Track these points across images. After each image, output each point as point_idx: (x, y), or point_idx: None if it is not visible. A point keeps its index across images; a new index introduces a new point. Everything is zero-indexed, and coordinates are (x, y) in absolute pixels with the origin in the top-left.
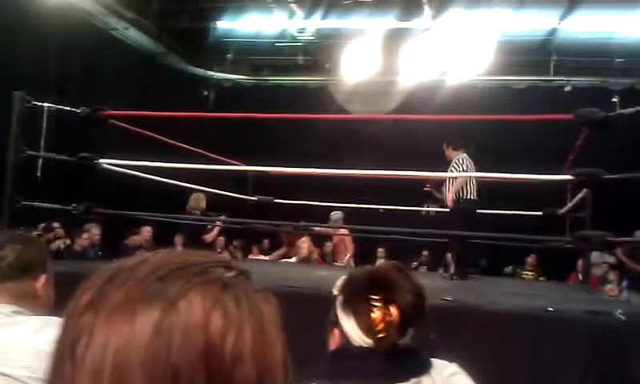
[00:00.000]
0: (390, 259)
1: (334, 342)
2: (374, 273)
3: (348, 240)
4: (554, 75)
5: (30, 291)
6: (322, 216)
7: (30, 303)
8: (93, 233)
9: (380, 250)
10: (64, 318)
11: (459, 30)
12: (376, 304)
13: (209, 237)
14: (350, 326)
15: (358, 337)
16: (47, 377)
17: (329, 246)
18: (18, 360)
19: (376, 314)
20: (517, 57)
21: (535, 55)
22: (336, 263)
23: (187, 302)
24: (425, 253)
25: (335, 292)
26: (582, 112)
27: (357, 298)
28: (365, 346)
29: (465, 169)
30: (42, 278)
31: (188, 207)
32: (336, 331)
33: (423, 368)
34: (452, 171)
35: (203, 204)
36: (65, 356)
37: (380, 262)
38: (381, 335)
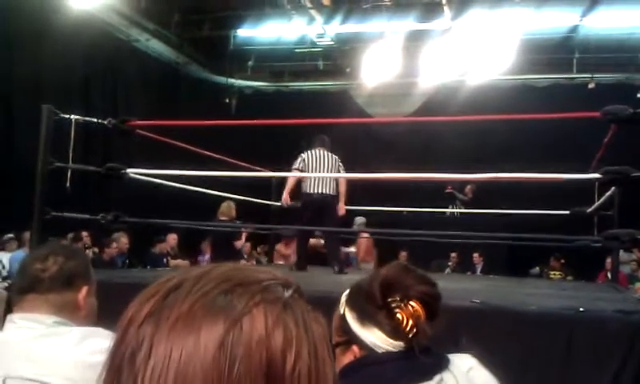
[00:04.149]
0: (414, 263)
1: (348, 360)
2: (382, 278)
3: (371, 244)
4: (576, 72)
5: (72, 302)
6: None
7: (72, 315)
8: (122, 242)
9: (402, 253)
10: (122, 326)
11: (479, 29)
12: (396, 305)
13: (239, 243)
14: (373, 337)
15: (386, 344)
16: (105, 382)
17: (348, 250)
18: (60, 371)
19: (401, 315)
20: (539, 55)
21: (558, 53)
22: (361, 267)
23: (250, 318)
24: (453, 255)
25: (342, 310)
26: (609, 109)
27: (373, 308)
28: (394, 349)
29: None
30: (84, 290)
31: (219, 214)
32: (355, 348)
33: (444, 364)
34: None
35: (234, 212)
36: (123, 365)
37: None
38: (412, 333)
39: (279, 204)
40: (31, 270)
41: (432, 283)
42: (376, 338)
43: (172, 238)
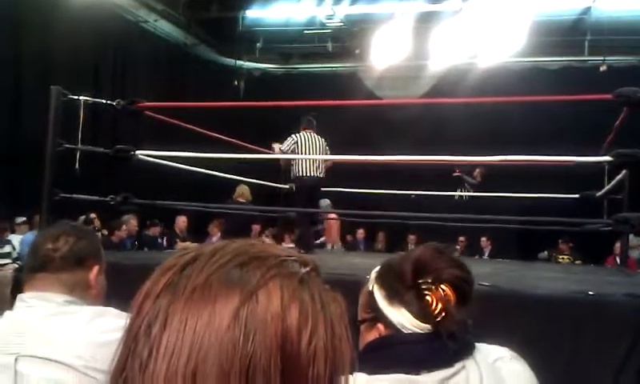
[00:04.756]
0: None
1: (372, 337)
2: (415, 258)
3: (336, 225)
4: (588, 55)
5: (83, 282)
6: (354, 202)
7: (83, 294)
8: (131, 224)
9: (411, 236)
10: (138, 299)
11: (490, 11)
12: (426, 287)
13: (257, 227)
14: (401, 316)
15: (412, 325)
16: (121, 355)
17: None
18: (70, 349)
19: (430, 298)
20: (550, 37)
21: (569, 35)
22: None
23: (266, 292)
24: (462, 239)
25: (372, 287)
26: (621, 91)
27: (403, 288)
28: (420, 331)
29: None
30: (95, 269)
31: (237, 196)
32: (380, 326)
33: (467, 351)
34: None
35: (249, 194)
36: (139, 337)
37: (410, 248)
38: (440, 317)
39: (288, 187)
40: (42, 250)
41: (465, 268)
42: (403, 318)
43: (181, 221)
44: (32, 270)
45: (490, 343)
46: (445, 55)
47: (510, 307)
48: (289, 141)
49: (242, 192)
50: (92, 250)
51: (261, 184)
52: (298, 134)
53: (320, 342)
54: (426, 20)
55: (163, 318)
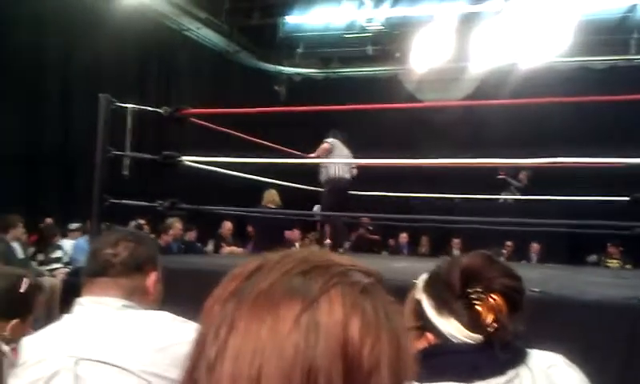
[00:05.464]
0: (466, 250)
1: (421, 346)
2: (464, 266)
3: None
4: (635, 54)
5: (141, 287)
6: (396, 206)
7: (141, 299)
8: (176, 227)
9: (455, 240)
10: (208, 305)
11: (533, 10)
12: (476, 297)
13: (292, 234)
14: (451, 327)
15: (462, 335)
16: (192, 357)
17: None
18: (128, 353)
19: (481, 308)
20: (595, 36)
21: (615, 34)
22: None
23: (328, 300)
24: (509, 243)
25: (419, 296)
26: None
27: (452, 297)
28: (472, 341)
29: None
30: (153, 275)
31: (266, 202)
32: (429, 335)
33: (519, 358)
34: None
35: (277, 199)
36: (208, 340)
37: (455, 253)
38: (492, 327)
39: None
40: (102, 255)
41: (516, 276)
42: (453, 329)
43: (227, 226)
44: (91, 274)
45: (541, 349)
46: (487, 56)
47: (560, 313)
48: (330, 140)
49: (272, 197)
50: (150, 256)
51: (297, 188)
52: (332, 139)
53: (383, 352)
54: (467, 21)
55: (229, 322)
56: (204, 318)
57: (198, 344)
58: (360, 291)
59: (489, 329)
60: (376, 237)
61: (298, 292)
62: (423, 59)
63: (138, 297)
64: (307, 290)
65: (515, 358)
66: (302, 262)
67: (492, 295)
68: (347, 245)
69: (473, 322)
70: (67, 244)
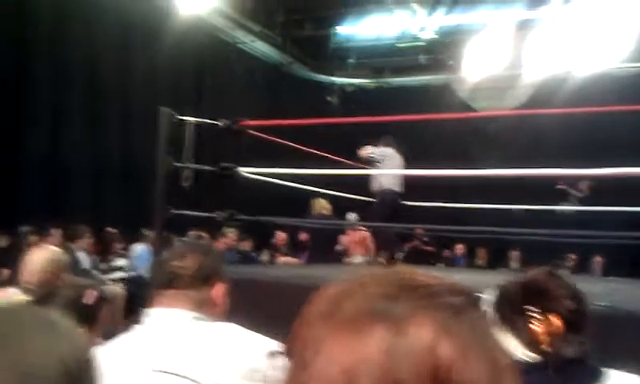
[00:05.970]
0: (525, 263)
1: None
2: (527, 282)
3: (369, 239)
4: None
5: (209, 299)
6: (451, 217)
7: (209, 311)
8: (230, 237)
9: (514, 253)
10: (296, 327)
11: (591, 15)
12: (535, 316)
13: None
14: (510, 343)
15: (520, 352)
16: (287, 374)
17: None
18: (200, 365)
19: (537, 327)
20: None
21: None
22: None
23: (415, 324)
24: (573, 256)
25: (484, 309)
26: None
27: (513, 312)
28: (529, 360)
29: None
30: (220, 287)
31: (315, 212)
32: None
33: (594, 379)
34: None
35: (329, 206)
36: (296, 361)
37: (513, 265)
38: (546, 348)
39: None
40: (170, 267)
41: (579, 297)
42: (512, 346)
43: (281, 237)
44: (160, 286)
45: (609, 367)
46: (542, 64)
47: (628, 329)
48: (381, 149)
49: (323, 205)
50: (217, 268)
51: (356, 199)
52: (382, 148)
53: (479, 375)
54: (522, 28)
55: (315, 344)
56: (291, 339)
57: (288, 365)
58: (451, 313)
59: (543, 348)
60: (430, 248)
61: (383, 317)
62: (477, 67)
63: (206, 309)
64: (392, 313)
65: (585, 379)
66: (387, 285)
67: (551, 316)
68: (400, 256)
69: (529, 341)
70: (138, 248)
